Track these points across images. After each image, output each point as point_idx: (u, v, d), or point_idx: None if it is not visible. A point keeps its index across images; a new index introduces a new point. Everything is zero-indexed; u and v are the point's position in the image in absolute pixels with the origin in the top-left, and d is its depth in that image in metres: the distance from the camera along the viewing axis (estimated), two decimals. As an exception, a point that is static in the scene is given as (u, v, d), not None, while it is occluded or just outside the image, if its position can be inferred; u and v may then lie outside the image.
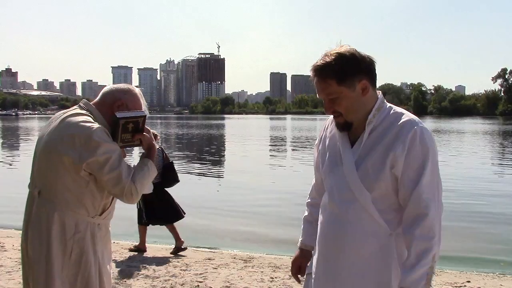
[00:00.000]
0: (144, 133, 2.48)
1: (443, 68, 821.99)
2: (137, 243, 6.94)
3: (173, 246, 6.84)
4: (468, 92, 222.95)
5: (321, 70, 1.94)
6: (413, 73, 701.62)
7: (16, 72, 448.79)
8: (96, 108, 2.45)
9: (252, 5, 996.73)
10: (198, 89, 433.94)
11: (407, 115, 1.97)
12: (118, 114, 2.36)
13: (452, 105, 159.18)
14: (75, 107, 2.48)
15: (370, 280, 1.94)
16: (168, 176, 6.71)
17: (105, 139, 2.27)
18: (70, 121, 2.32)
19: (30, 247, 2.32)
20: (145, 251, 6.82)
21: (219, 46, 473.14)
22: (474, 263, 7.02)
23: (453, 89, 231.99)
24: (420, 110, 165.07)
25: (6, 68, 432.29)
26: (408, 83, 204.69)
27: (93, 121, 2.33)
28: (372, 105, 1.99)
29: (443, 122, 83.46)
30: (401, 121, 1.93)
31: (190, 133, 48.56)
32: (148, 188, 2.47)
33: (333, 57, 1.92)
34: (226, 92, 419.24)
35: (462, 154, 24.54)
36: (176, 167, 7.28)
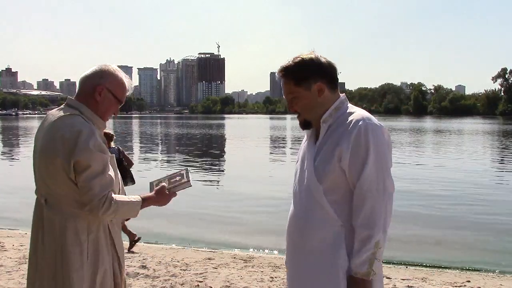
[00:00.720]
0: (171, 196, 2.52)
1: (443, 68, 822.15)
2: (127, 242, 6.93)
3: (173, 246, 6.82)
4: (468, 92, 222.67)
5: (283, 72, 2.15)
6: (413, 73, 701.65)
7: (16, 72, 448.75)
8: (81, 102, 2.37)
9: (252, 4, 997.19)
10: (198, 89, 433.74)
11: (359, 114, 2.09)
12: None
13: (452, 105, 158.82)
14: (63, 106, 2.42)
15: (322, 268, 2.05)
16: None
17: (93, 145, 2.22)
18: (61, 123, 2.29)
19: (43, 253, 2.30)
20: (137, 236, 6.92)
21: (219, 46, 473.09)
22: (474, 263, 7.01)
23: (453, 88, 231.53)
24: (420, 110, 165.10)
25: (6, 68, 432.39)
26: (408, 83, 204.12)
27: (83, 121, 2.29)
28: (330, 105, 2.13)
29: (443, 122, 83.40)
30: (350, 119, 2.06)
31: (190, 133, 48.51)
32: (121, 216, 2.44)
33: (294, 61, 2.12)
34: (226, 92, 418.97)
35: (463, 154, 24.53)
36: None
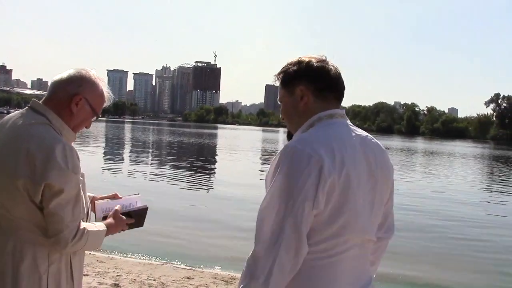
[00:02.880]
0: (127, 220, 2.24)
1: (436, 90, 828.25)
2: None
3: (153, 261, 6.47)
4: (461, 115, 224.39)
5: (277, 74, 1.84)
6: (407, 93, 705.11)
7: (11, 70, 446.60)
8: (51, 110, 1.99)
9: (250, 16, 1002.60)
10: (193, 97, 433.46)
11: (302, 136, 1.67)
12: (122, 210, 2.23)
13: (444, 126, 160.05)
14: (24, 110, 2.03)
15: None
16: None
17: (67, 165, 1.87)
18: (25, 133, 1.90)
19: None
20: None
21: (216, 56, 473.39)
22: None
23: (446, 111, 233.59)
24: (413, 130, 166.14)
25: (0, 65, 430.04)
26: (402, 103, 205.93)
27: (52, 131, 1.93)
28: (307, 119, 1.75)
29: (435, 144, 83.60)
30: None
31: (181, 141, 48.18)
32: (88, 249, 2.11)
33: (287, 63, 1.81)
34: (220, 102, 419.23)
35: (451, 177, 24.39)
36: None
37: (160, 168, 21.99)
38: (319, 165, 1.53)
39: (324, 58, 1.79)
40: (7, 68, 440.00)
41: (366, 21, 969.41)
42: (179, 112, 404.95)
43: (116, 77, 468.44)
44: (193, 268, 6.93)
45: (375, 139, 1.78)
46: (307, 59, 1.77)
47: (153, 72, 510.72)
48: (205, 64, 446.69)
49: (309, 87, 1.74)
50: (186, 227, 9.74)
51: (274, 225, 1.54)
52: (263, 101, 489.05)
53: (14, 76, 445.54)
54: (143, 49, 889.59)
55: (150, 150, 34.73)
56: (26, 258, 1.90)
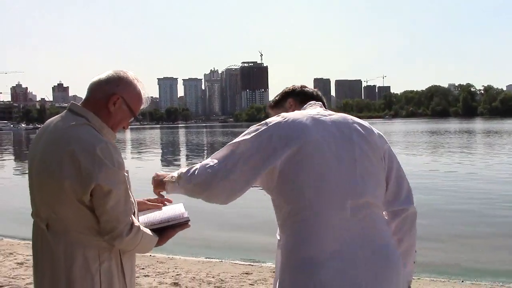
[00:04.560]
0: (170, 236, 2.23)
1: (492, 68, 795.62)
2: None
3: (211, 259, 6.53)
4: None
5: (271, 102, 2.46)
6: (461, 74, 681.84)
7: (68, 87, 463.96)
8: (90, 111, 2.02)
9: (293, 11, 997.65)
10: (242, 97, 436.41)
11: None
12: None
13: (503, 105, 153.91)
14: (64, 113, 2.06)
15: None
16: None
17: (113, 163, 1.90)
18: (67, 135, 1.92)
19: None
20: None
21: (262, 54, 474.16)
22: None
23: (504, 88, 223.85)
24: (470, 111, 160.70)
25: (58, 84, 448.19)
26: (456, 84, 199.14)
27: (93, 131, 1.95)
28: None
29: (494, 123, 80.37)
30: None
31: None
32: (140, 249, 2.11)
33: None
34: (270, 100, 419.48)
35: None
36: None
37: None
38: (274, 128, 1.95)
39: (305, 85, 2.40)
40: (64, 85, 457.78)
41: (413, 4, 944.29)
42: (230, 113, 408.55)
43: (167, 84, 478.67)
44: (252, 264, 6.96)
45: (355, 118, 2.10)
46: (291, 87, 2.40)
47: (201, 77, 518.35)
48: (252, 64, 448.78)
49: (295, 99, 2.32)
50: (244, 224, 9.80)
51: (227, 150, 1.98)
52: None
53: (71, 93, 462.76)
54: (190, 55, 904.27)
55: (205, 151, 35.18)
56: (77, 259, 1.93)
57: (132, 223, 1.98)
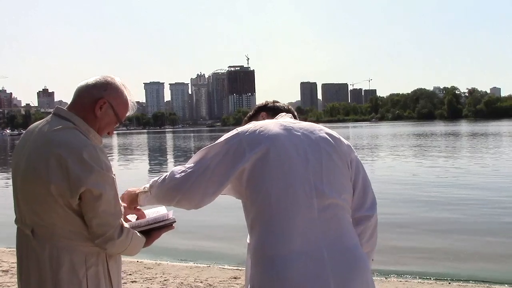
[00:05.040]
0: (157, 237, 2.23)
1: (476, 71, 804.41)
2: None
3: (198, 263, 6.51)
4: (504, 93, 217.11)
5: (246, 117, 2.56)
6: (445, 77, 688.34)
7: (53, 92, 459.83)
8: (76, 114, 2.01)
9: (279, 15, 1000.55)
10: (229, 101, 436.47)
11: None
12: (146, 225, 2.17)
13: (488, 107, 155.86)
14: (49, 117, 2.04)
15: None
16: None
17: (101, 166, 1.90)
18: (53, 138, 1.90)
19: None
20: None
21: (248, 58, 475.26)
22: None
23: (488, 91, 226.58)
24: (455, 113, 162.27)
25: (43, 89, 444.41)
26: (441, 87, 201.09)
27: (80, 135, 1.94)
28: None
29: (478, 125, 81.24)
30: None
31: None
32: (130, 251, 2.09)
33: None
34: (257, 103, 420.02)
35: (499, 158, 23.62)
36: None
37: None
38: (242, 134, 2.01)
39: (277, 101, 2.53)
40: (49, 90, 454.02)
41: (398, 7, 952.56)
42: (217, 117, 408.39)
43: (153, 89, 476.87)
44: (240, 268, 6.94)
45: (324, 127, 2.16)
46: (264, 102, 2.54)
47: (188, 81, 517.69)
48: (239, 68, 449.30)
49: (268, 112, 2.43)
50: (232, 228, 9.78)
51: (199, 156, 2.04)
52: (299, 98, 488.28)
53: (56, 98, 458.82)
54: (177, 59, 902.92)
55: (192, 155, 34.93)
56: (64, 264, 1.91)
57: (122, 225, 1.98)
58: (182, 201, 2.01)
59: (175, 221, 2.21)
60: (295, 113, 2.45)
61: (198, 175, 1.97)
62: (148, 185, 2.13)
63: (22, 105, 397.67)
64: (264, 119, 2.34)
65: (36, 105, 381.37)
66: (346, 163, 2.07)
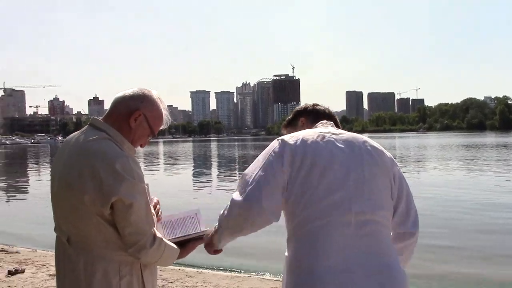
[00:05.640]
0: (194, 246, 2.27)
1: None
2: None
3: (238, 273, 6.50)
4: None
5: (285, 122, 2.51)
6: (497, 86, 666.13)
7: (103, 100, 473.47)
8: (111, 126, 2.05)
9: (325, 24, 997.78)
10: (274, 110, 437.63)
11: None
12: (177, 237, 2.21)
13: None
14: (85, 128, 2.09)
15: None
16: None
17: (133, 176, 1.92)
18: (87, 149, 1.94)
19: None
20: None
21: (294, 67, 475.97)
22: None
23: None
24: (507, 124, 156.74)
25: (93, 97, 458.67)
26: (493, 97, 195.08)
27: (114, 146, 1.97)
28: None
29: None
30: None
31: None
32: (163, 262, 2.12)
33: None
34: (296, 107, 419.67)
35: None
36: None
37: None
38: (285, 146, 1.98)
39: (317, 104, 2.44)
40: (100, 99, 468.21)
41: (448, 17, 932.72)
42: (262, 126, 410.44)
43: (199, 97, 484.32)
44: (280, 279, 6.88)
45: (367, 138, 2.09)
46: (303, 106, 2.46)
47: (233, 90, 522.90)
48: (284, 77, 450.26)
49: (307, 117, 2.37)
50: (274, 239, 9.73)
51: (246, 178, 1.98)
52: (344, 107, 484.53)
53: (106, 106, 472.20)
54: (223, 68, 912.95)
55: (237, 165, 35.30)
56: (98, 273, 1.93)
57: (155, 235, 1.99)
58: (255, 221, 1.94)
59: (208, 233, 2.22)
60: (336, 118, 2.37)
61: (255, 198, 1.91)
62: (216, 224, 2.10)
63: (74, 112, 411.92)
64: (303, 124, 2.33)
65: (87, 112, 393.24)
66: (389, 178, 2.03)
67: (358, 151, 2.00)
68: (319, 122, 2.26)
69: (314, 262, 1.85)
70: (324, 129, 2.14)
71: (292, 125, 2.41)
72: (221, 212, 2.03)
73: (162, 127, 2.20)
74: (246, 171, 2.01)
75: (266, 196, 1.90)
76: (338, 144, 2.00)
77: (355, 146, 2.02)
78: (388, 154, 2.10)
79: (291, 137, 2.02)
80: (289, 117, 2.47)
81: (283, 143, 2.00)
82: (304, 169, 1.91)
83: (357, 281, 1.81)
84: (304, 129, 2.22)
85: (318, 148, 1.96)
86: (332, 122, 2.26)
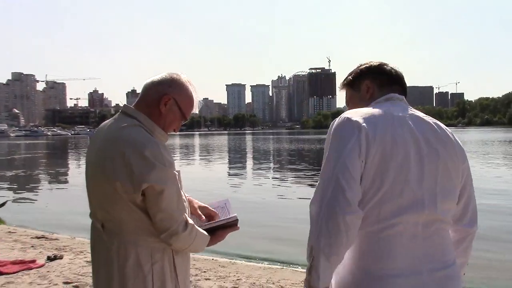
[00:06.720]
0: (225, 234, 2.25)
1: None
2: None
3: (271, 264, 6.50)
4: None
5: (343, 81, 2.16)
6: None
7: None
8: (142, 112, 2.06)
9: (361, 17, 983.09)
10: (309, 104, 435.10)
11: (348, 111, 1.90)
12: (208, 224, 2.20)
13: None
14: (117, 115, 2.11)
15: None
16: None
17: (164, 162, 1.92)
18: (118, 136, 1.95)
19: (101, 284, 2.05)
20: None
21: (330, 60, 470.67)
22: None
23: None
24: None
25: (131, 90, 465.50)
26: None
27: (144, 132, 1.97)
28: None
29: None
30: None
31: (302, 148, 48.41)
32: (194, 248, 2.11)
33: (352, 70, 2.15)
34: (337, 107, 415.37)
35: None
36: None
37: (282, 174, 22.28)
38: (359, 129, 1.73)
39: (384, 62, 2.09)
40: (137, 91, 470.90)
41: (487, 9, 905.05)
42: (297, 120, 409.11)
43: (235, 90, 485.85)
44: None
45: (441, 125, 1.90)
46: (368, 63, 2.10)
47: (269, 83, 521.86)
48: (320, 70, 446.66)
49: (373, 81, 2.03)
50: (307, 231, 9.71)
51: (325, 182, 1.72)
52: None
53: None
54: (258, 61, 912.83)
55: (271, 158, 35.31)
56: (130, 259, 1.96)
57: (187, 221, 2.00)
58: (346, 220, 1.66)
59: (238, 220, 2.21)
60: (405, 82, 2.07)
61: (336, 184, 1.69)
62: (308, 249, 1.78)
63: (112, 105, 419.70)
64: (368, 89, 2.01)
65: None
66: (460, 173, 1.88)
67: (434, 143, 1.82)
68: (389, 95, 1.97)
69: (382, 263, 1.74)
70: (398, 107, 1.90)
71: (355, 89, 2.07)
72: (307, 243, 1.76)
73: (193, 111, 2.18)
74: (325, 167, 1.75)
75: (351, 189, 1.68)
76: (416, 134, 1.79)
77: (431, 135, 1.83)
78: (462, 146, 1.93)
79: (364, 118, 1.76)
80: (350, 77, 2.10)
81: (359, 127, 1.74)
82: (379, 161, 1.72)
83: (421, 284, 1.72)
84: (370, 96, 2.00)
85: (396, 138, 1.74)
86: (403, 97, 1.99)
